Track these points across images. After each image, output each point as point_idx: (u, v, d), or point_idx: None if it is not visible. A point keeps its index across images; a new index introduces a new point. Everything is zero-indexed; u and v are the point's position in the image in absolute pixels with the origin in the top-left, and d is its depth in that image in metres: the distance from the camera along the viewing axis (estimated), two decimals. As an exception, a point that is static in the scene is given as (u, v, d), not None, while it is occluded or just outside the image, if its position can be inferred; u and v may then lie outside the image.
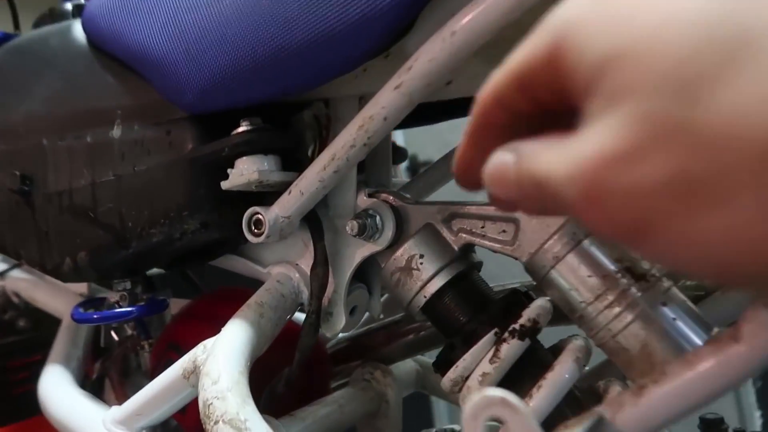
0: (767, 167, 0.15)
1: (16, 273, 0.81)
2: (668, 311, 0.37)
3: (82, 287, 0.75)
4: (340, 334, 0.71)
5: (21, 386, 0.61)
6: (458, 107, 0.58)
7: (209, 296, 0.63)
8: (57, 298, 0.72)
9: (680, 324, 0.37)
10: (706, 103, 0.15)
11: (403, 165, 1.29)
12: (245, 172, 0.45)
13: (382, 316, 0.57)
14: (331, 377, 0.66)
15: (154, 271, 0.60)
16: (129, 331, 0.66)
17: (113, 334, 0.66)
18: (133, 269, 0.56)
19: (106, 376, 0.65)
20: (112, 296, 0.56)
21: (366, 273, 0.53)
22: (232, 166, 0.46)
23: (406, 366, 0.65)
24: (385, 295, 0.69)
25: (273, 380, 0.52)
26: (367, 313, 0.69)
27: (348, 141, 0.40)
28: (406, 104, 0.36)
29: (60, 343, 0.61)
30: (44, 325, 0.77)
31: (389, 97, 0.37)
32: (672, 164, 0.16)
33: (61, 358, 0.58)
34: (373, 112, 0.38)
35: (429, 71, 0.34)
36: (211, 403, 0.38)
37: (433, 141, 0.62)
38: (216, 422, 0.37)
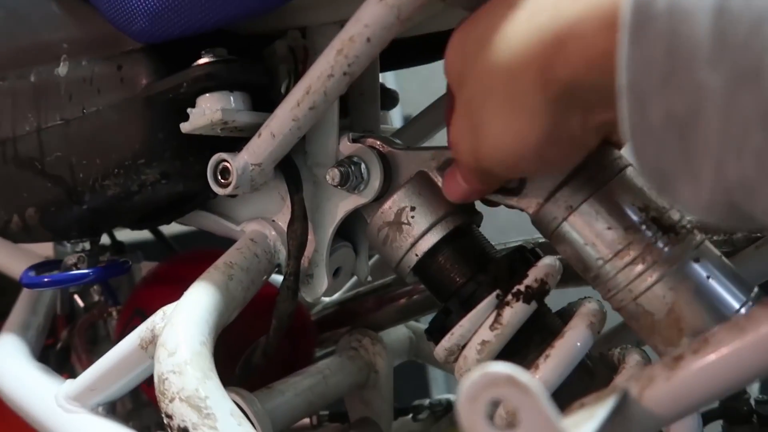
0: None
1: (-23, 235, 0.75)
2: (700, 268, 0.32)
3: (48, 249, 0.70)
4: (326, 299, 0.66)
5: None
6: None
7: (179, 257, 0.58)
8: (19, 261, 0.66)
9: (714, 283, 0.32)
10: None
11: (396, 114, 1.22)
12: (207, 111, 0.38)
13: (370, 279, 0.51)
14: (317, 345, 0.61)
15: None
16: (96, 297, 0.61)
17: (78, 300, 0.61)
18: (91, 228, 0.50)
19: (72, 346, 0.59)
20: (70, 259, 0.51)
21: (352, 230, 0.48)
22: (193, 106, 0.39)
23: (398, 333, 0.60)
24: (375, 256, 0.64)
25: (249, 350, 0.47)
26: (354, 277, 0.63)
27: (325, 70, 0.33)
28: (393, 20, 0.30)
29: (18, 311, 0.56)
30: (8, 290, 0.72)
31: (373, 12, 0.30)
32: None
33: (17, 326, 0.53)
34: (353, 32, 0.31)
35: (421, -25, 0.28)
36: (167, 378, 0.33)
37: (431, 97, 0.55)
38: (172, 400, 0.32)
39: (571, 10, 0.24)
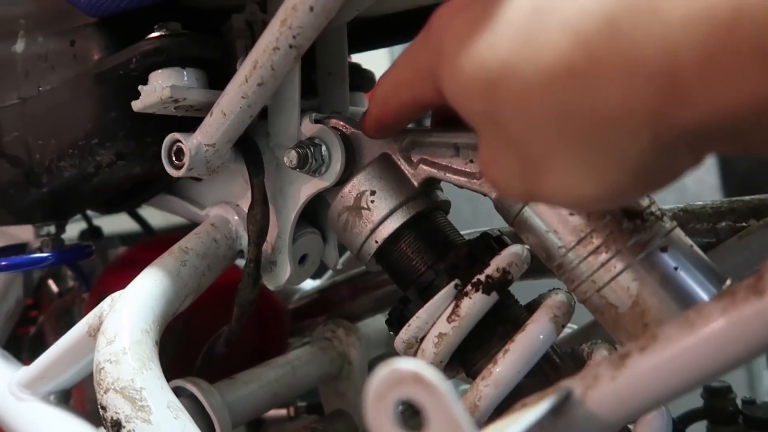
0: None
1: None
2: (668, 258, 0.30)
3: (27, 233, 0.69)
4: (306, 287, 0.65)
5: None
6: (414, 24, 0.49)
7: (147, 242, 0.56)
8: (-3, 245, 0.65)
9: (683, 274, 0.29)
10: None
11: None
12: (158, 87, 0.37)
13: (340, 267, 0.49)
14: (294, 333, 0.60)
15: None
16: (70, 283, 0.60)
17: (52, 285, 0.60)
18: (54, 211, 0.48)
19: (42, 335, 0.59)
20: (35, 242, 0.49)
21: (319, 216, 0.46)
22: (145, 83, 0.38)
23: (376, 324, 0.58)
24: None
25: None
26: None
27: (270, 42, 0.31)
28: (335, -13, 0.28)
29: (-12, 295, 0.55)
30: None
31: (314, -22, 0.28)
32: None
33: (-19, 313, 0.52)
34: (296, 0, 0.29)
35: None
36: (103, 368, 0.31)
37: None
38: (106, 391, 0.30)
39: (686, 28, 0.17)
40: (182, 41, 0.37)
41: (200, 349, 0.47)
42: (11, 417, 0.39)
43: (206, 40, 0.38)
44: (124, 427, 0.29)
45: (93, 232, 0.61)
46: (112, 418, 0.30)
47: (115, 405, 0.30)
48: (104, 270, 0.55)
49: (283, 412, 0.61)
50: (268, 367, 0.47)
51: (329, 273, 0.67)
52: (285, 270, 0.43)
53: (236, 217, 0.43)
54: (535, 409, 0.20)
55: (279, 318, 0.55)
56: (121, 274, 0.51)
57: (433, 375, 0.17)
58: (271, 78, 0.33)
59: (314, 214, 0.45)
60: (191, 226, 0.56)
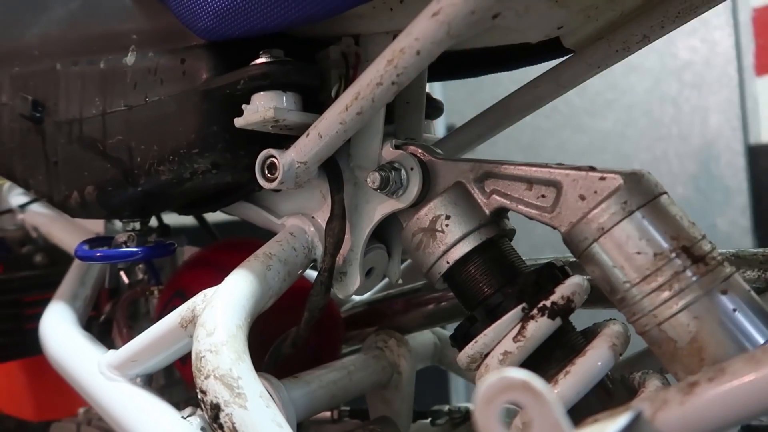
0: None
1: (36, 207, 0.79)
2: (727, 301, 0.32)
3: (99, 226, 0.74)
4: (356, 298, 0.68)
5: (33, 322, 0.59)
6: (500, 58, 0.53)
7: (221, 244, 0.60)
8: (73, 235, 0.70)
9: (740, 317, 0.32)
10: None
11: (440, 123, 1.23)
12: (261, 108, 0.41)
13: (401, 282, 0.52)
14: (343, 342, 0.63)
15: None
16: (140, 276, 0.64)
17: (124, 276, 0.64)
18: (142, 209, 0.53)
19: (114, 319, 0.63)
20: (121, 237, 0.54)
21: (387, 234, 0.49)
22: (248, 102, 0.42)
23: (423, 338, 0.61)
24: (407, 261, 0.65)
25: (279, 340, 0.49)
26: (386, 279, 0.65)
27: (374, 78, 0.35)
28: (443, 36, 0.31)
29: (68, 281, 0.59)
30: (61, 262, 0.76)
31: (424, 26, 0.32)
32: None
33: (66, 296, 0.56)
34: (404, 44, 0.33)
35: (473, -5, 0.29)
36: (204, 356, 0.35)
37: (476, 108, 0.56)
38: (207, 377, 0.34)
39: None
40: (287, 68, 0.40)
41: (266, 348, 0.50)
42: (102, 395, 0.43)
43: (306, 68, 0.42)
44: (222, 410, 0.33)
45: (163, 230, 0.65)
46: (212, 402, 0.33)
47: (215, 390, 0.33)
48: (181, 267, 0.59)
49: (326, 414, 0.64)
50: (327, 370, 0.50)
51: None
52: (354, 281, 0.46)
53: (312, 229, 0.47)
54: (615, 424, 0.23)
55: (337, 325, 0.59)
56: (198, 273, 0.55)
57: (542, 384, 0.20)
58: (370, 109, 0.37)
59: (382, 231, 0.48)
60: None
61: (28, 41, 0.54)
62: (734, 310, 0.32)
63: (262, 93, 0.41)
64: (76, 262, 0.63)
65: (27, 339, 0.74)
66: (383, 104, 0.37)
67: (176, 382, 0.62)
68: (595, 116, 2.08)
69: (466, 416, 0.62)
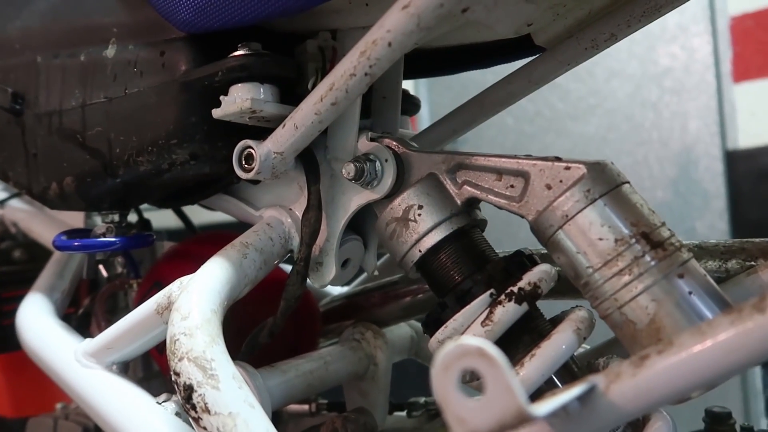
0: None
1: (16, 203, 0.79)
2: (684, 284, 0.34)
3: (79, 222, 0.74)
4: (335, 292, 0.69)
5: (10, 318, 0.59)
6: (475, 55, 0.54)
7: (199, 237, 0.61)
8: (52, 230, 0.70)
9: (696, 299, 0.33)
10: None
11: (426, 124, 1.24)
12: (238, 99, 0.41)
13: (377, 274, 0.53)
14: (321, 336, 0.64)
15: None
16: (119, 269, 0.64)
17: (102, 270, 0.64)
18: (121, 201, 0.53)
19: (92, 312, 0.63)
20: (100, 228, 0.54)
21: (363, 226, 0.50)
22: (226, 94, 0.43)
23: (400, 331, 0.62)
24: (385, 257, 0.66)
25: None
26: (364, 274, 0.66)
27: (348, 69, 0.36)
28: (413, 28, 0.33)
29: (46, 274, 0.60)
30: (40, 258, 0.76)
31: (395, 18, 0.33)
32: None
33: (44, 288, 0.56)
34: (377, 36, 0.34)
35: (440, -12, 0.30)
36: (178, 339, 0.35)
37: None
38: (180, 359, 0.35)
39: None
40: (264, 60, 0.41)
41: (241, 337, 0.51)
42: (78, 382, 0.43)
43: (284, 61, 0.43)
44: (195, 391, 0.33)
45: (143, 224, 0.65)
46: (185, 383, 0.34)
47: (188, 372, 0.34)
48: (159, 260, 0.59)
49: (305, 407, 0.64)
50: (304, 360, 0.51)
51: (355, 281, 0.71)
52: (330, 271, 0.47)
53: (289, 220, 0.48)
54: (570, 392, 0.24)
55: (314, 318, 0.59)
56: (176, 264, 0.56)
57: (494, 350, 0.21)
58: (344, 99, 0.38)
59: (358, 223, 0.49)
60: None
61: (9, 34, 0.54)
62: (690, 292, 0.33)
63: (239, 84, 0.42)
64: (55, 256, 0.63)
65: (4, 335, 0.74)
66: (357, 95, 0.38)
67: (155, 375, 0.62)
68: (578, 121, 2.11)
69: (442, 408, 0.63)
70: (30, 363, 0.63)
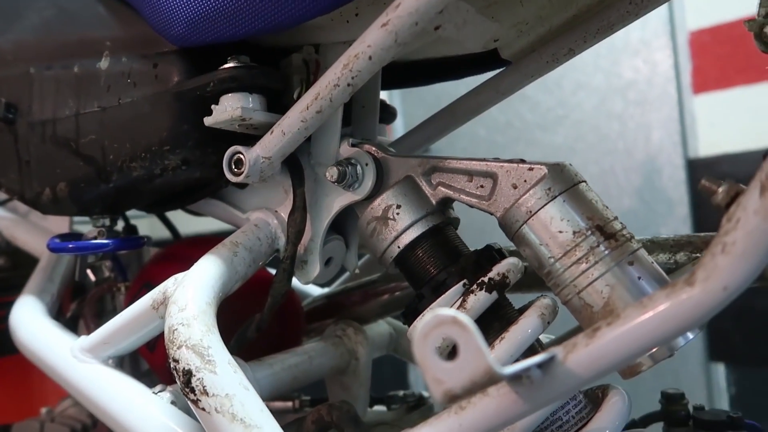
0: None
1: (0, 211, 0.81)
2: (633, 270, 0.38)
3: (64, 228, 0.75)
4: (317, 293, 0.72)
5: (-4, 323, 0.61)
6: (447, 68, 0.58)
7: (186, 241, 0.63)
8: (37, 237, 0.72)
9: (644, 283, 0.38)
10: None
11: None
12: (229, 108, 0.45)
13: (358, 272, 0.57)
14: (305, 334, 0.66)
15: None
16: (107, 273, 0.66)
17: (90, 274, 0.66)
18: (112, 206, 0.56)
19: (80, 316, 0.65)
20: (91, 232, 0.56)
21: (344, 227, 0.53)
22: (217, 103, 0.46)
23: (379, 328, 0.66)
24: (366, 257, 0.70)
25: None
26: (344, 276, 0.69)
27: (332, 80, 0.40)
28: (392, 43, 0.36)
29: (36, 278, 0.61)
30: (24, 265, 0.77)
31: (375, 35, 0.36)
32: None
33: (35, 291, 0.58)
34: (358, 50, 0.38)
35: (416, 8, 0.34)
36: (176, 329, 0.38)
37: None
38: (179, 347, 0.37)
39: None
40: (253, 72, 0.45)
41: (230, 334, 0.53)
42: (75, 376, 0.45)
43: (271, 72, 0.46)
44: (194, 375, 0.36)
45: (130, 230, 0.67)
46: (183, 368, 0.37)
47: (186, 358, 0.37)
48: (148, 262, 0.62)
49: (288, 404, 0.67)
50: (289, 354, 0.54)
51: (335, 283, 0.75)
52: (314, 269, 0.51)
53: (275, 221, 0.51)
54: (533, 359, 0.28)
55: (299, 317, 0.62)
56: (166, 265, 0.58)
57: (466, 318, 0.25)
58: (328, 108, 0.41)
59: (340, 225, 0.53)
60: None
61: (2, 46, 0.57)
62: (639, 277, 0.37)
63: (230, 94, 0.45)
64: (42, 262, 0.65)
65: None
66: (340, 104, 0.42)
67: (143, 374, 0.64)
68: (547, 131, 2.18)
69: (420, 401, 0.66)
70: (12, 369, 0.65)
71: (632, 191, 2.14)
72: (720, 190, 0.29)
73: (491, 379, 0.24)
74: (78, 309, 0.65)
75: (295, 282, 0.51)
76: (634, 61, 2.14)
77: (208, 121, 0.46)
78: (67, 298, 0.72)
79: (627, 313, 0.29)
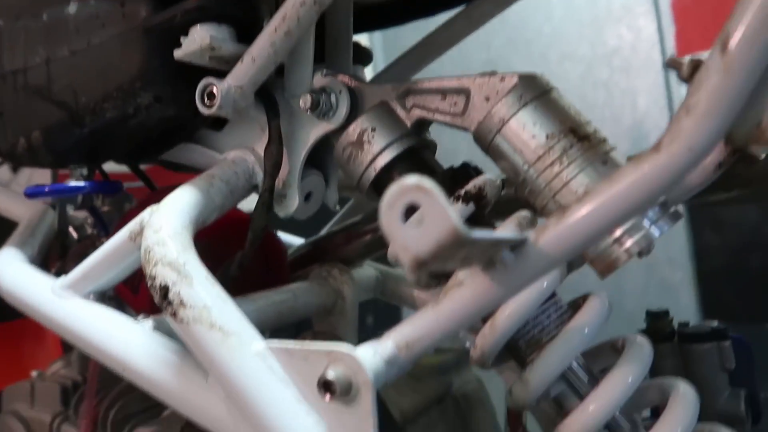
0: None
1: (-22, 180, 0.80)
2: (608, 170, 0.38)
3: (44, 195, 0.75)
4: (300, 241, 0.72)
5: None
6: (422, 6, 0.58)
7: (165, 187, 0.63)
8: (17, 203, 0.71)
9: (618, 181, 0.37)
10: None
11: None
12: (198, 38, 0.44)
13: (338, 209, 0.57)
14: (290, 281, 0.66)
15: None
16: (89, 230, 0.66)
17: (73, 232, 0.66)
18: (89, 153, 0.55)
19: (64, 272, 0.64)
20: (69, 182, 0.56)
21: (323, 162, 0.53)
22: (186, 35, 0.45)
23: (365, 271, 0.66)
24: (348, 204, 0.70)
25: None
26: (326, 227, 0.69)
27: (298, -2, 0.39)
28: (354, -48, 0.36)
29: (18, 232, 0.61)
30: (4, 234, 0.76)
31: (337, -58, 0.36)
32: None
33: (16, 243, 0.58)
34: (321, -38, 0.37)
35: None
36: (152, 249, 0.38)
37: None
38: (155, 265, 0.37)
39: None
40: (221, 2, 0.44)
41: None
42: (57, 312, 0.45)
43: (239, 2, 0.46)
44: (171, 290, 0.36)
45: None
46: (160, 284, 0.36)
47: (163, 274, 0.37)
48: (130, 209, 0.61)
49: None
50: (273, 292, 0.54)
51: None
52: (293, 202, 0.50)
53: (252, 158, 0.51)
54: (503, 234, 0.28)
55: (282, 260, 0.62)
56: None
57: (430, 183, 0.25)
58: (297, 29, 0.41)
59: (319, 160, 0.52)
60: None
61: (-32, 0, 0.56)
62: (612, 175, 0.37)
63: (198, 26, 0.45)
64: (25, 219, 0.65)
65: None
66: (309, 24, 0.42)
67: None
68: (533, 102, 2.18)
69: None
70: (2, 337, 0.64)
71: (620, 157, 2.15)
72: (685, 62, 0.30)
73: (457, 240, 0.25)
74: (62, 266, 0.64)
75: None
76: (618, 28, 2.13)
77: (177, 53, 0.45)
78: (53, 260, 0.72)
79: (596, 190, 0.29)
